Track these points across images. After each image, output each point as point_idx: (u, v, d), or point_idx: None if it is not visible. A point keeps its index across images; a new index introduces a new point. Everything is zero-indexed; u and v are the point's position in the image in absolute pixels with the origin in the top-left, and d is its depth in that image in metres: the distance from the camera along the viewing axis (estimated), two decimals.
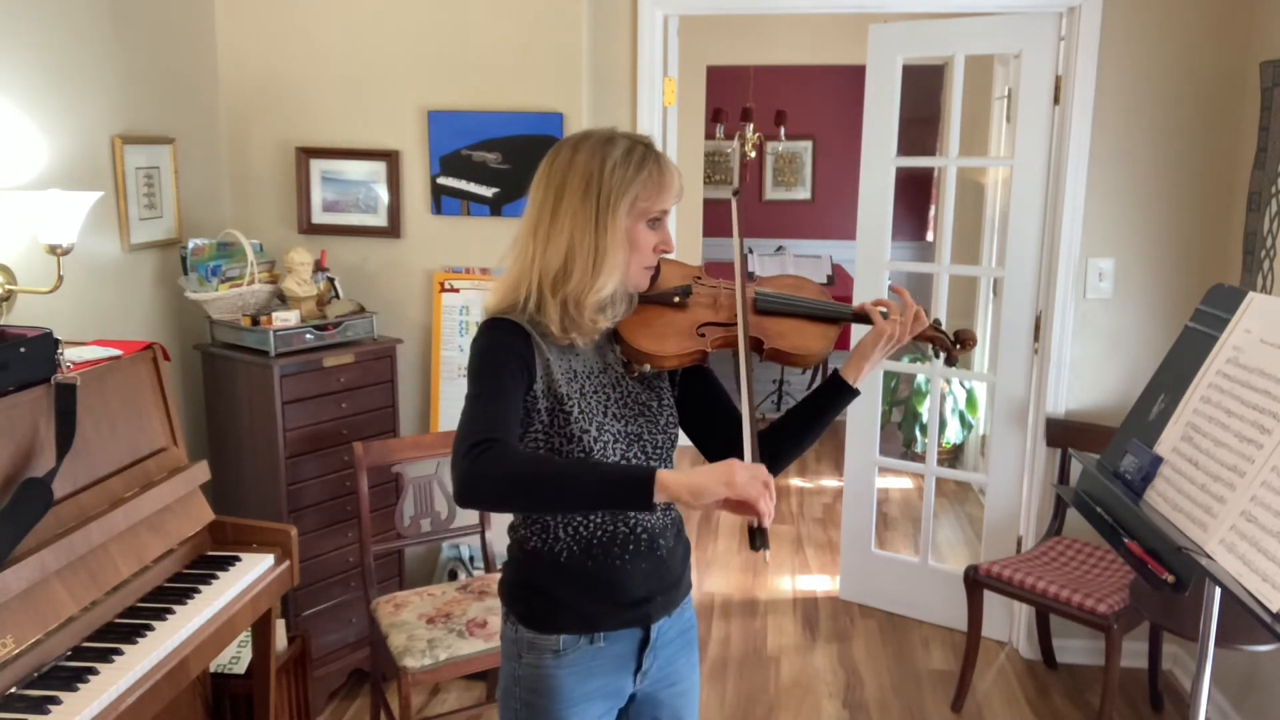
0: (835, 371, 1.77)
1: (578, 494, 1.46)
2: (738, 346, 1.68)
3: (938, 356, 1.85)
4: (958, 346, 1.79)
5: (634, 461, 1.70)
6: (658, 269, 1.72)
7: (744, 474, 1.41)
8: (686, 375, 1.82)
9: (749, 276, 1.75)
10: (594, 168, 1.60)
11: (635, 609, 1.72)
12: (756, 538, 1.42)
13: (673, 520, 1.79)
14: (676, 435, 1.78)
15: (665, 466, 1.74)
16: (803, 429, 1.77)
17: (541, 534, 1.70)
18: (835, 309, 1.78)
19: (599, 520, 1.68)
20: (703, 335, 1.71)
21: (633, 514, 1.69)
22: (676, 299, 1.72)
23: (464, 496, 1.47)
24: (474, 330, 3.51)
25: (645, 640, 1.76)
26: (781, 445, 1.76)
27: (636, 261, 1.66)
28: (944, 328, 1.82)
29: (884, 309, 1.75)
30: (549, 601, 1.70)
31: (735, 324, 1.71)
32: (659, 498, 1.41)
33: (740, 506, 1.42)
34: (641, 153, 1.63)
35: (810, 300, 1.78)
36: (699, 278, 1.80)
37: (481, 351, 1.61)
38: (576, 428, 1.64)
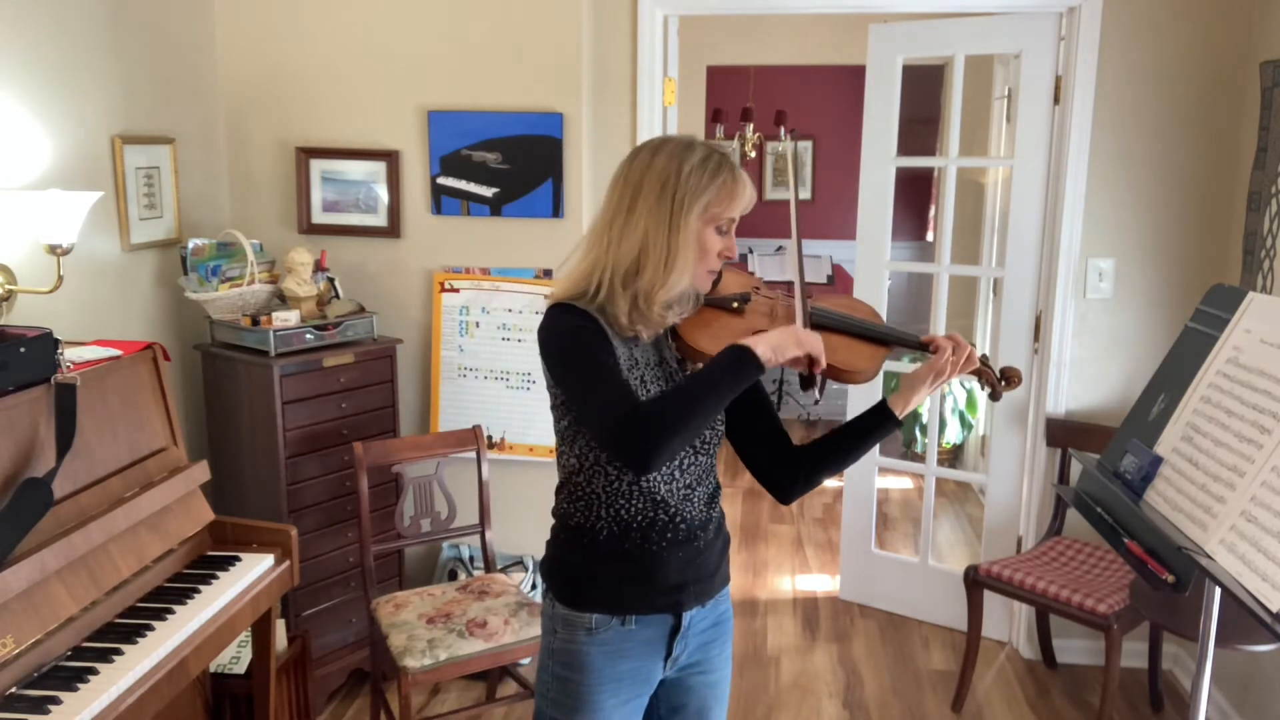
0: (883, 400, 1.82)
1: (713, 387, 1.60)
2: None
3: (983, 389, 1.92)
4: (1003, 384, 1.86)
5: (682, 456, 1.76)
6: (719, 274, 1.78)
7: (808, 334, 1.65)
8: None
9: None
10: (671, 171, 1.67)
11: (667, 595, 1.77)
12: (811, 382, 1.68)
13: (714, 516, 1.85)
14: (722, 434, 1.85)
15: (709, 463, 1.83)
16: (844, 451, 1.84)
17: (585, 510, 1.76)
18: (888, 332, 1.83)
19: (640, 506, 1.74)
20: None
21: (673, 504, 1.75)
22: (735, 304, 1.81)
23: (647, 464, 1.56)
24: (474, 330, 3.55)
25: (677, 627, 1.80)
26: (824, 462, 1.85)
27: (702, 265, 1.72)
28: (991, 364, 1.88)
29: (938, 345, 1.79)
30: (584, 579, 1.77)
31: None
32: (761, 356, 1.61)
33: (797, 361, 1.65)
34: (718, 160, 1.70)
35: (864, 320, 1.84)
36: (758, 288, 1.87)
37: (566, 333, 1.67)
38: None
